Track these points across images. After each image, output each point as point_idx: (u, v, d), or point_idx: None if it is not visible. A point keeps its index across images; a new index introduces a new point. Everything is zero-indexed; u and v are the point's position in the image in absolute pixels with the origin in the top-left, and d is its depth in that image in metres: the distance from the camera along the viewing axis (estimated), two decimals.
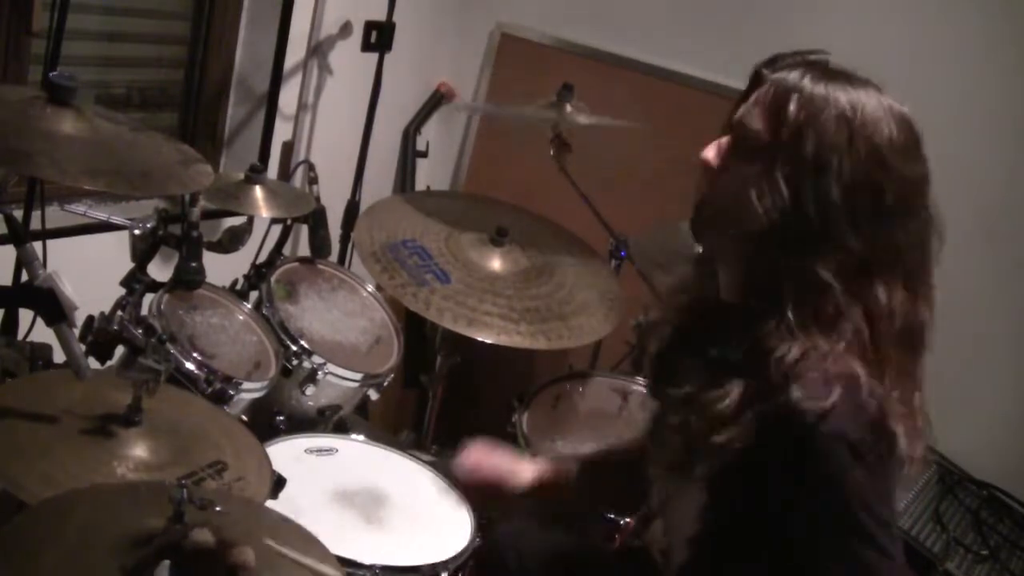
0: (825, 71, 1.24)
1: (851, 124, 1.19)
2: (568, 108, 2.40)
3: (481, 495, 1.77)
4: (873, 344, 1.22)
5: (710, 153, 1.29)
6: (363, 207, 2.80)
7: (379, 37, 3.03)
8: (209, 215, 2.46)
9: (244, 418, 2.07)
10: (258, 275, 2.32)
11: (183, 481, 1.22)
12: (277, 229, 2.46)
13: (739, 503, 1.22)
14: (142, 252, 1.90)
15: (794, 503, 1.18)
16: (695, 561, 1.31)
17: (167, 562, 1.06)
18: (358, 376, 2.23)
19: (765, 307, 1.22)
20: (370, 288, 2.45)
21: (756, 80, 1.28)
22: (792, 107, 1.20)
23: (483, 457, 1.72)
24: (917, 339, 1.32)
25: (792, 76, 1.23)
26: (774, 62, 1.28)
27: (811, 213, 1.19)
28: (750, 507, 1.21)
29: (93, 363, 1.76)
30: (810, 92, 1.21)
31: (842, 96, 1.20)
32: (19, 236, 1.50)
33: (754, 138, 1.24)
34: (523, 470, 1.70)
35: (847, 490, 1.15)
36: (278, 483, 1.67)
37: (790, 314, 1.20)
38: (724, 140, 1.29)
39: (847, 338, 1.20)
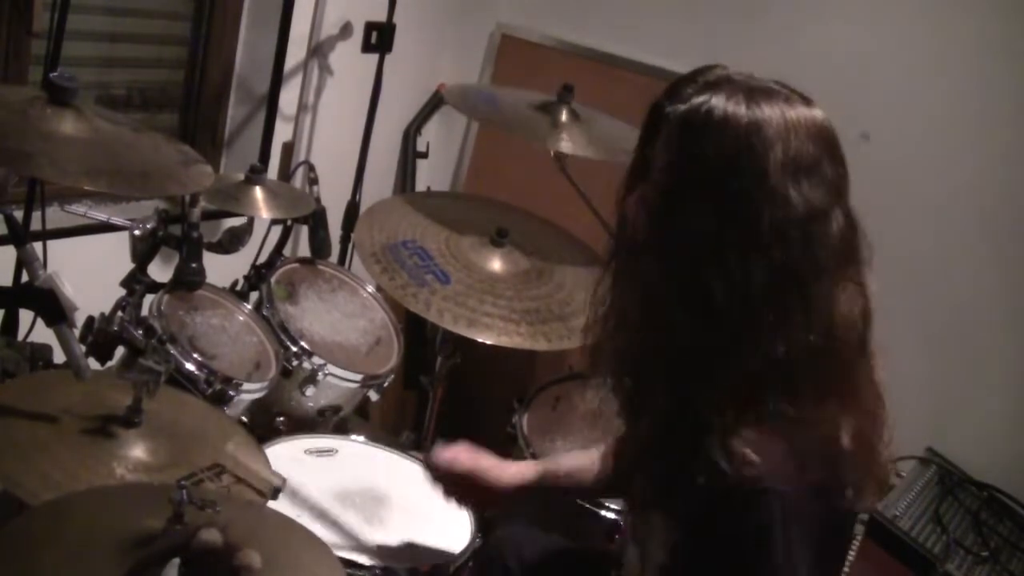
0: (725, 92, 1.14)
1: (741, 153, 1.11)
2: (562, 132, 2.37)
3: (456, 489, 1.73)
4: (799, 381, 1.12)
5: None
6: (363, 208, 2.80)
7: (379, 38, 3.03)
8: (209, 216, 2.46)
9: (244, 419, 2.07)
10: (258, 276, 2.32)
11: (183, 482, 1.22)
12: (277, 230, 2.46)
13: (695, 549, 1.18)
14: (142, 253, 1.90)
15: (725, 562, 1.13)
16: None
17: (176, 560, 1.06)
18: (358, 377, 2.23)
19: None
20: (370, 289, 2.45)
21: (657, 116, 1.20)
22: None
23: (462, 452, 1.70)
24: (854, 351, 1.17)
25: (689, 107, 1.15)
26: (672, 93, 1.19)
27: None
28: (698, 555, 1.17)
29: (93, 364, 1.77)
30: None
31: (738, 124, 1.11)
32: (19, 236, 1.50)
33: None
34: (502, 470, 1.68)
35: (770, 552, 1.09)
36: None
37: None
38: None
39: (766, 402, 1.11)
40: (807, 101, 1.17)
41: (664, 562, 1.23)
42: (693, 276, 1.12)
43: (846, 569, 2.14)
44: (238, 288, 2.32)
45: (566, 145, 2.30)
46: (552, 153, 2.41)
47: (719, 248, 1.10)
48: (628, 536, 1.38)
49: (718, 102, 1.13)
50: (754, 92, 1.14)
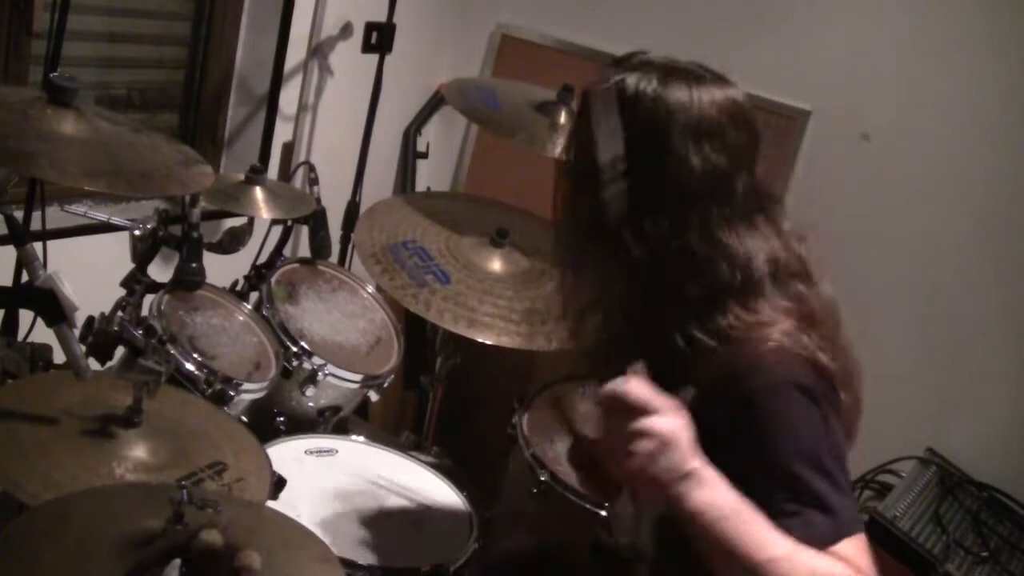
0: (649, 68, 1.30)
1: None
2: (561, 135, 2.36)
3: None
4: (779, 290, 1.27)
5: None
6: (363, 208, 2.80)
7: (379, 38, 3.03)
8: (209, 216, 2.46)
9: (244, 419, 2.07)
10: (258, 276, 2.32)
11: (183, 482, 1.23)
12: (277, 230, 2.46)
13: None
14: (142, 253, 1.90)
15: (743, 462, 1.17)
16: (664, 542, 1.30)
17: (177, 561, 1.07)
18: (358, 377, 2.23)
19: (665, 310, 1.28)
20: (370, 289, 2.45)
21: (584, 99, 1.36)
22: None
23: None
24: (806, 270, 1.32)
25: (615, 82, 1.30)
26: (597, 77, 1.34)
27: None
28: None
29: (93, 364, 1.77)
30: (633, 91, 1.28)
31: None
32: (19, 237, 1.50)
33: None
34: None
35: (796, 435, 1.18)
36: (278, 484, 1.67)
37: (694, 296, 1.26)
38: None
39: (757, 294, 1.25)
40: (722, 80, 1.30)
41: (659, 512, 1.25)
42: (617, 233, 1.26)
43: None
44: (238, 288, 2.32)
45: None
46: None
47: (636, 206, 1.26)
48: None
49: (631, 80, 1.28)
50: (666, 71, 1.29)
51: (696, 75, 1.29)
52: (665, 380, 1.24)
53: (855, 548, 1.16)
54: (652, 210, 1.26)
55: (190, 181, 1.72)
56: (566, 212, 1.38)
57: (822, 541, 1.13)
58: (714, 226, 1.25)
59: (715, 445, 1.16)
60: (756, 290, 1.26)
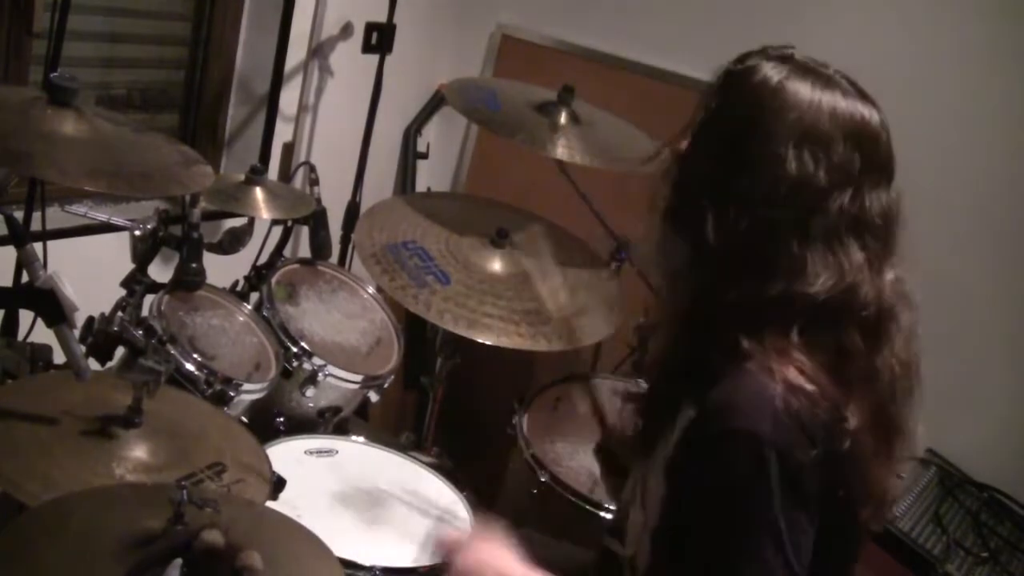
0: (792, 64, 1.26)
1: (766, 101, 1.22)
2: (561, 136, 2.37)
3: None
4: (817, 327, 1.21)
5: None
6: (363, 208, 2.80)
7: (380, 38, 3.03)
8: (209, 216, 2.46)
9: (244, 419, 2.07)
10: (258, 276, 2.32)
11: (183, 482, 1.23)
12: (278, 230, 2.46)
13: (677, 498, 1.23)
14: (142, 253, 1.90)
15: (694, 502, 1.18)
16: (654, 556, 1.30)
17: (178, 561, 1.07)
18: (358, 378, 2.23)
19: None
20: (370, 290, 2.45)
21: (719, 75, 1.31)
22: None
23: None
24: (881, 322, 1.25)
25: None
26: (739, 58, 1.30)
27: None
28: (675, 504, 1.22)
29: (93, 364, 1.77)
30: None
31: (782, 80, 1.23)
32: (20, 237, 1.50)
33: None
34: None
35: (741, 496, 1.13)
36: (278, 484, 1.67)
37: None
38: None
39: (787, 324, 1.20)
40: (861, 95, 1.26)
41: (656, 524, 1.27)
42: (694, 211, 1.24)
43: None
44: (238, 289, 2.32)
45: (563, 152, 2.30)
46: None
47: (720, 191, 1.23)
48: (633, 499, 1.40)
49: (763, 67, 1.25)
50: (803, 69, 1.24)
51: (831, 81, 1.25)
52: (678, 390, 1.26)
53: None
54: (735, 197, 1.22)
55: (190, 181, 1.72)
56: (664, 176, 1.35)
57: None
58: (785, 231, 1.20)
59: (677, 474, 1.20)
60: (800, 316, 1.20)
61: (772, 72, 1.24)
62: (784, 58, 1.26)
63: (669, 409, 1.29)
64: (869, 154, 1.23)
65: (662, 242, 1.32)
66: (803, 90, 1.22)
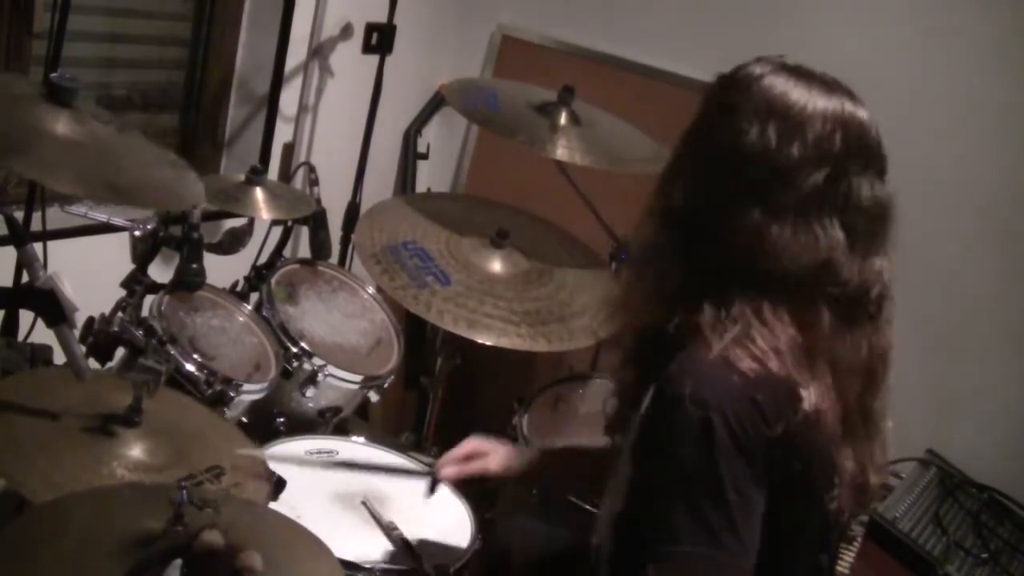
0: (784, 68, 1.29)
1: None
2: (561, 137, 2.37)
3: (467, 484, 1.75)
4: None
5: None
6: (363, 209, 2.80)
7: (380, 39, 3.03)
8: (209, 217, 2.46)
9: (244, 420, 2.07)
10: (258, 277, 2.32)
11: (182, 483, 1.23)
12: (278, 231, 2.46)
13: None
14: (142, 253, 1.90)
15: (643, 463, 1.21)
16: (614, 544, 1.31)
17: (178, 561, 1.07)
18: (358, 378, 2.23)
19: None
20: (370, 290, 2.45)
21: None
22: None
23: (464, 461, 1.72)
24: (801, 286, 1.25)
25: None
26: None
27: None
28: (634, 482, 1.24)
29: (93, 364, 1.77)
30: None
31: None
32: (20, 237, 1.50)
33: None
34: (508, 462, 1.69)
35: (686, 457, 1.15)
36: (278, 484, 1.67)
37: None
38: None
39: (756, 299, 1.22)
40: (850, 96, 1.28)
41: (620, 509, 1.27)
42: (669, 178, 1.31)
43: (846, 571, 2.14)
44: (238, 289, 2.32)
45: (563, 152, 2.30)
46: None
47: (690, 162, 1.29)
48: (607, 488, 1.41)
49: (748, 66, 1.28)
50: (787, 68, 1.27)
51: (815, 77, 1.27)
52: (645, 368, 1.28)
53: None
54: (700, 166, 1.27)
55: (186, 196, 1.70)
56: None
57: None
58: (744, 200, 1.22)
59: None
60: (769, 289, 1.22)
61: (755, 68, 1.27)
62: (772, 61, 1.29)
63: (637, 389, 1.30)
64: (854, 140, 1.24)
65: (644, 230, 1.35)
66: (779, 80, 1.25)
